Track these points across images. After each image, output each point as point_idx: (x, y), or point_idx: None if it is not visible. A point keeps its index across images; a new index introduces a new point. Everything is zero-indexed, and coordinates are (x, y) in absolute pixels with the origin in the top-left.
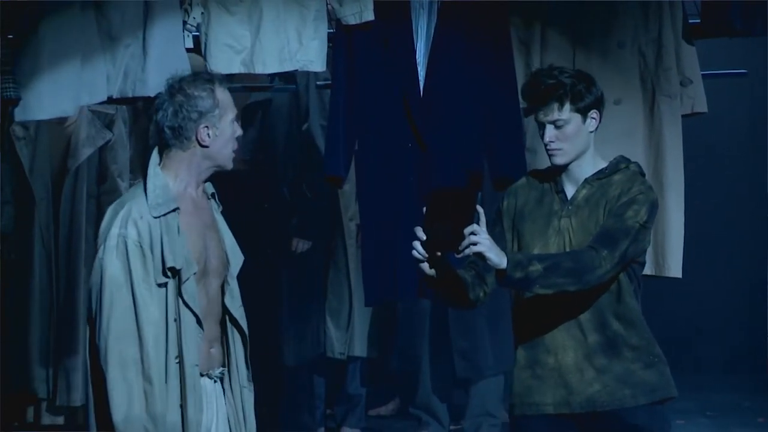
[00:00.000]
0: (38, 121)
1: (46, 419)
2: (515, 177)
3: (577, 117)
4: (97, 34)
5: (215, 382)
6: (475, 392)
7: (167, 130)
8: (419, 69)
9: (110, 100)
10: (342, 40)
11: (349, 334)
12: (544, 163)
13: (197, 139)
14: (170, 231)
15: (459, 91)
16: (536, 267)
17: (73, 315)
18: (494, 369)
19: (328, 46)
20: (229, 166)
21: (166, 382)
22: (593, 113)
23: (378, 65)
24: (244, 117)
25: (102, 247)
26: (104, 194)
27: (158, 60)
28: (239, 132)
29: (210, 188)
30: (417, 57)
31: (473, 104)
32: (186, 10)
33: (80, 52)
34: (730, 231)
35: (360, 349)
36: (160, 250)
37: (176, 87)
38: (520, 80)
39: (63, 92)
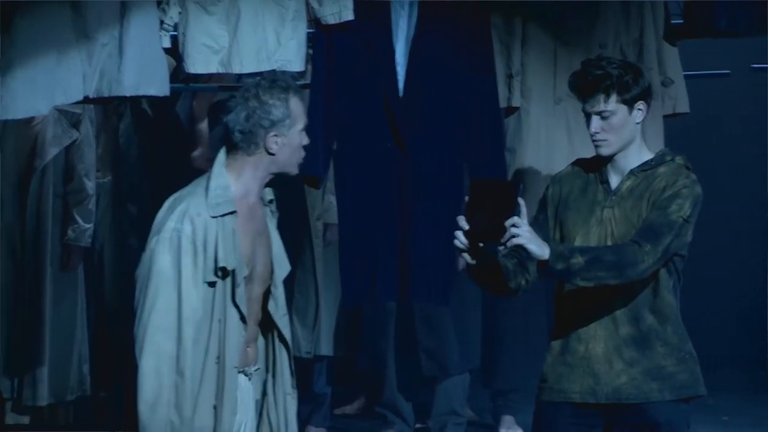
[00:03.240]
0: (4, 120)
1: (11, 419)
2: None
3: (624, 108)
4: (72, 33)
5: (249, 379)
6: (440, 391)
7: (237, 133)
8: (399, 69)
9: (86, 100)
10: (321, 40)
11: (315, 333)
12: (523, 162)
13: (265, 146)
14: (226, 232)
15: (439, 92)
16: (578, 259)
17: (39, 314)
18: (460, 368)
19: (308, 46)
20: (294, 173)
21: (201, 381)
22: (640, 105)
23: (357, 65)
24: (210, 116)
25: (155, 238)
26: (70, 193)
27: (135, 60)
28: (306, 141)
29: (269, 194)
30: (396, 57)
31: (453, 104)
32: (163, 10)
33: (55, 51)
34: (729, 230)
35: (326, 348)
36: (213, 249)
37: (252, 92)
38: (501, 81)
39: (38, 92)
